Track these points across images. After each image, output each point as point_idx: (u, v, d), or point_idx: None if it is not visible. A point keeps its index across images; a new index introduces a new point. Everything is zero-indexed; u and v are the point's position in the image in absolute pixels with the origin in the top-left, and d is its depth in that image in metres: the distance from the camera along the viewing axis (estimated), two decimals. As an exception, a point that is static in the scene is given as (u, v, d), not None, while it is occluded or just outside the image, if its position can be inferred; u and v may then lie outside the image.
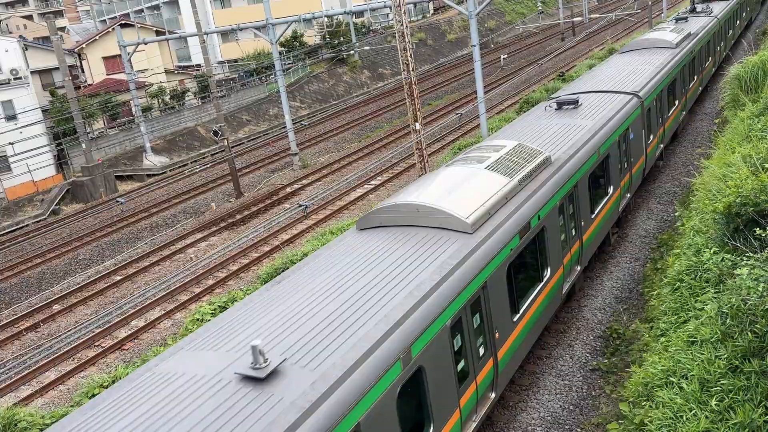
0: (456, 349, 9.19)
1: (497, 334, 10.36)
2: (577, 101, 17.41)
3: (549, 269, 12.51)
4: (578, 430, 11.14)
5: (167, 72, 52.31)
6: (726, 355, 7.79)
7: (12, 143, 33.74)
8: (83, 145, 37.69)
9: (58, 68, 40.15)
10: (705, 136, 24.43)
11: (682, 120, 24.76)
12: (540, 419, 11.50)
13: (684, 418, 7.46)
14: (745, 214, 9.58)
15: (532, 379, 12.54)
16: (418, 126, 24.81)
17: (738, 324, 7.92)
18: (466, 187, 11.59)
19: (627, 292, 15.30)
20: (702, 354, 8.12)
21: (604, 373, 12.50)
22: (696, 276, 10.67)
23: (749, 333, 7.71)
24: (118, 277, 24.69)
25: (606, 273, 16.17)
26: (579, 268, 14.29)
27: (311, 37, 58.16)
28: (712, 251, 9.47)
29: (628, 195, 17.74)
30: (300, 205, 16.27)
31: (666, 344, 9.44)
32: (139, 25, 52.45)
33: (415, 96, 24.40)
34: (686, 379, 8.06)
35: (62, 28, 77.98)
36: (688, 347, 8.59)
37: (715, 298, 9.01)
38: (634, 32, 55.11)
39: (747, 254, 8.78)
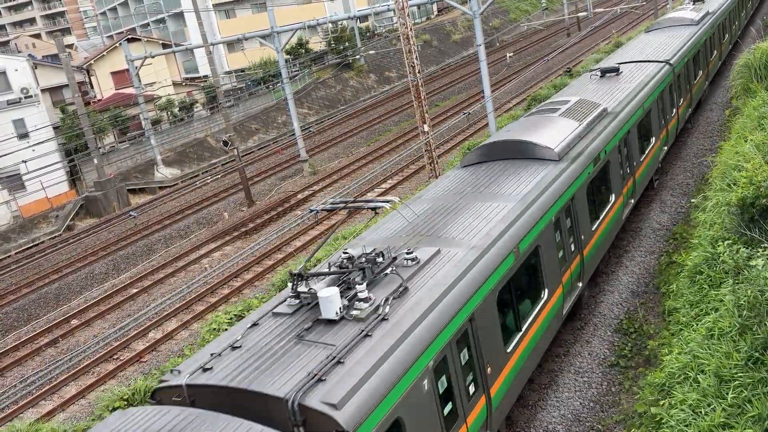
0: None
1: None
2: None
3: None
4: (599, 426, 11.07)
5: (175, 84, 52.67)
6: (745, 348, 7.71)
7: (25, 161, 34.08)
8: (95, 160, 38.02)
9: (67, 85, 40.54)
10: (716, 127, 24.23)
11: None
12: (560, 417, 11.44)
13: (702, 412, 7.40)
14: (760, 205, 9.50)
15: (551, 377, 12.48)
16: (426, 128, 24.81)
17: (756, 315, 7.84)
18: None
19: (643, 286, 15.19)
20: (720, 348, 8.05)
21: (622, 369, 12.42)
22: (714, 268, 10.59)
23: (767, 324, 7.64)
24: (134, 290, 24.86)
25: (621, 267, 16.07)
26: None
27: (316, 43, 58.33)
28: (726, 243, 9.39)
29: (665, 148, 20.51)
30: (311, 210, 16.27)
31: (686, 339, 9.36)
32: (145, 39, 52.88)
33: (422, 98, 24.40)
34: (703, 373, 7.99)
35: (70, 45, 78.77)
36: (706, 341, 8.52)
37: (733, 290, 8.92)
38: (640, 25, 54.80)
39: (763, 245, 8.70)
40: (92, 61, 53.95)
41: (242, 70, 56.09)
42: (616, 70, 20.19)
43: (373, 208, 9.73)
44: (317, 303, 8.57)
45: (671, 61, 20.78)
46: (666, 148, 20.54)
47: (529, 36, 67.93)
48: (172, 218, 33.17)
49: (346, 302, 8.57)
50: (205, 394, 7.63)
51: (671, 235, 17.06)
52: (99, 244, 31.70)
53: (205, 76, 54.83)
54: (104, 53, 53.97)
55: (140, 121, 44.82)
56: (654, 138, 18.92)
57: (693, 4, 31.40)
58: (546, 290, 11.86)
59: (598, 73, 20.51)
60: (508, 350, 10.28)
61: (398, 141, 37.95)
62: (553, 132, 14.39)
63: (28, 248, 35.17)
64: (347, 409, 6.89)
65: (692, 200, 17.20)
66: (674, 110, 21.24)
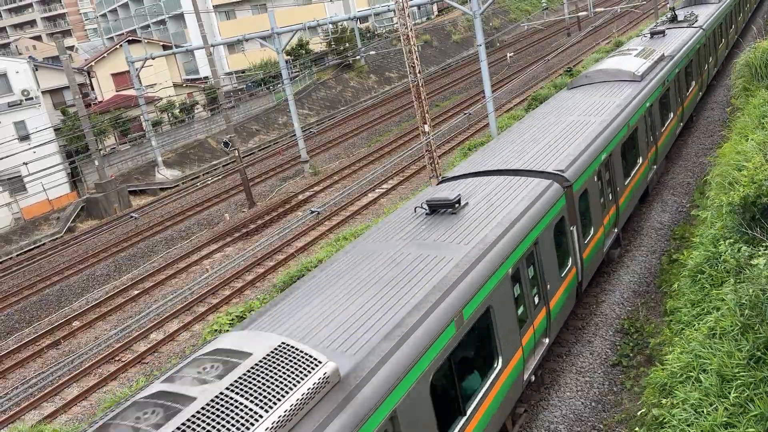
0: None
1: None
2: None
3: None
4: (601, 426, 11.07)
5: (175, 85, 52.70)
6: (747, 347, 7.71)
7: (26, 163, 34.12)
8: (96, 162, 38.04)
9: (68, 87, 40.58)
10: (717, 126, 24.22)
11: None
12: (562, 417, 11.43)
13: (705, 412, 7.39)
14: (761, 204, 9.50)
15: (553, 377, 12.47)
16: (426, 128, 24.80)
17: (758, 315, 7.83)
18: None
19: (644, 285, 15.18)
20: (722, 347, 8.04)
21: (624, 368, 12.41)
22: (715, 267, 10.58)
23: (770, 323, 7.63)
24: (136, 292, 24.87)
25: (623, 267, 16.06)
26: None
27: (317, 44, 58.37)
28: (728, 242, 9.38)
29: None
30: (312, 212, 16.29)
31: (687, 338, 9.35)
32: (145, 41, 52.92)
33: (423, 98, 24.40)
34: (705, 372, 7.98)
35: (71, 47, 78.84)
36: (708, 340, 8.51)
37: (734, 289, 8.91)
38: (641, 24, 54.79)
39: (764, 243, 8.70)
40: (93, 63, 53.99)
41: (243, 71, 56.12)
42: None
43: None
44: None
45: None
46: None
47: (529, 36, 67.94)
48: (173, 219, 33.19)
49: None
50: None
51: (672, 234, 17.05)
52: (100, 245, 31.72)
53: (206, 78, 54.87)
54: (105, 55, 54.01)
55: (141, 123, 44.85)
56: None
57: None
58: None
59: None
60: None
61: (399, 141, 37.95)
62: None
63: (29, 250, 35.19)
64: None
65: (693, 199, 17.20)
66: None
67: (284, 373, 7.01)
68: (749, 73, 19.74)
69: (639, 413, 10.19)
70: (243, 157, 33.51)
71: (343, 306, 8.79)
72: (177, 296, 13.58)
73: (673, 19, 27.53)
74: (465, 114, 22.97)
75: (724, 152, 15.11)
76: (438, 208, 11.54)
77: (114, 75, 53.13)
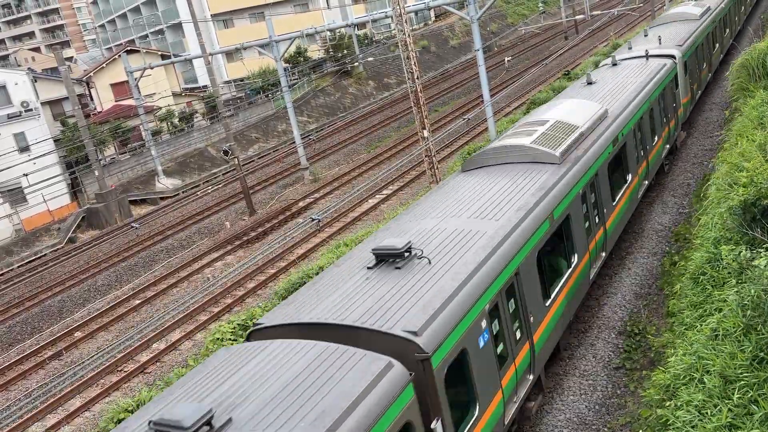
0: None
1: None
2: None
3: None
4: (605, 429, 11.04)
5: (174, 95, 52.79)
6: (750, 348, 7.69)
7: (26, 174, 34.15)
8: (96, 172, 38.08)
9: (67, 98, 40.67)
10: (716, 126, 24.23)
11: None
12: (566, 421, 11.40)
13: (709, 413, 7.37)
14: (761, 205, 9.49)
15: (556, 381, 12.45)
16: (426, 133, 24.82)
17: (760, 315, 7.82)
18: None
19: (646, 287, 15.16)
20: (725, 348, 8.03)
21: (627, 371, 12.38)
22: (717, 268, 10.56)
23: (772, 323, 7.61)
24: (137, 301, 24.86)
25: (624, 269, 16.04)
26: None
27: (315, 51, 58.49)
28: (729, 244, 9.37)
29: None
30: (313, 219, 16.28)
31: (690, 340, 9.34)
32: (144, 51, 53.05)
33: (422, 103, 24.42)
34: (708, 374, 7.96)
35: (69, 58, 79.05)
36: (711, 341, 8.49)
37: (736, 290, 8.89)
38: (637, 27, 54.89)
39: (765, 244, 8.69)
40: (92, 74, 54.13)
41: (241, 80, 56.22)
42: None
43: None
44: None
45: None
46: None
47: (527, 39, 68.06)
48: (174, 229, 33.19)
49: None
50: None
51: (673, 235, 17.03)
52: (101, 255, 31.72)
53: (205, 86, 54.96)
54: (104, 65, 54.15)
55: (140, 132, 44.92)
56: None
57: None
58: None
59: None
60: None
61: (398, 147, 37.99)
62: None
63: (30, 261, 35.19)
64: None
65: (693, 201, 17.19)
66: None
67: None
68: (746, 74, 19.77)
69: (643, 416, 10.17)
70: (243, 165, 33.54)
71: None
72: (180, 305, 13.58)
73: None
74: (464, 119, 23.00)
75: (723, 153, 15.12)
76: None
77: (113, 85, 53.26)
